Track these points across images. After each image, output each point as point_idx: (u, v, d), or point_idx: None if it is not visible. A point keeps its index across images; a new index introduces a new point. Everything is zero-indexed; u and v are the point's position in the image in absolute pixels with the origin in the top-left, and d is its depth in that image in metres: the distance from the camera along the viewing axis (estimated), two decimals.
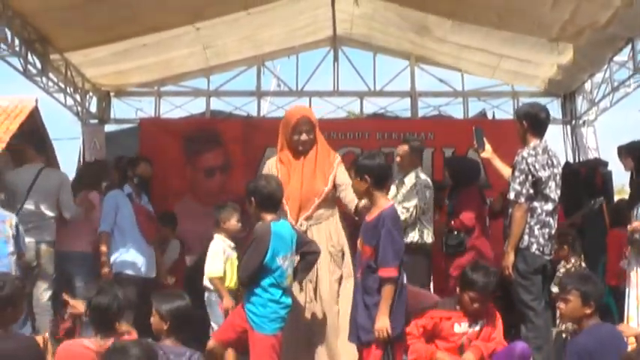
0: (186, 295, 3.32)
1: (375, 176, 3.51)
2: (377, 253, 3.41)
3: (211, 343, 3.73)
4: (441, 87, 9.08)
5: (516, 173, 4.20)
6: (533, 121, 4.31)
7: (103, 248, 5.09)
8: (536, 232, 4.17)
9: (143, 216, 5.38)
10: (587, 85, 8.16)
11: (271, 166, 4.07)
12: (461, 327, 3.79)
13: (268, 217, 3.64)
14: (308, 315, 3.83)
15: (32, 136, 5.94)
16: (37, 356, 3.12)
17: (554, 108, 8.72)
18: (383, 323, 3.38)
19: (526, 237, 4.16)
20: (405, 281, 3.54)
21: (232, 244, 4.65)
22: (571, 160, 8.37)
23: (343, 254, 4.03)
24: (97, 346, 3.07)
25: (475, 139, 4.63)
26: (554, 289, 5.53)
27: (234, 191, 7.91)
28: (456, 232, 5.44)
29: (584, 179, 7.24)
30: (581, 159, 8.32)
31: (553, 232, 4.25)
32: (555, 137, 8.81)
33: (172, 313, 3.17)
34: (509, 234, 4.22)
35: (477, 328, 3.80)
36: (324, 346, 3.84)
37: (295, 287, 3.77)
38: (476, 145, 4.65)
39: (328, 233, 3.75)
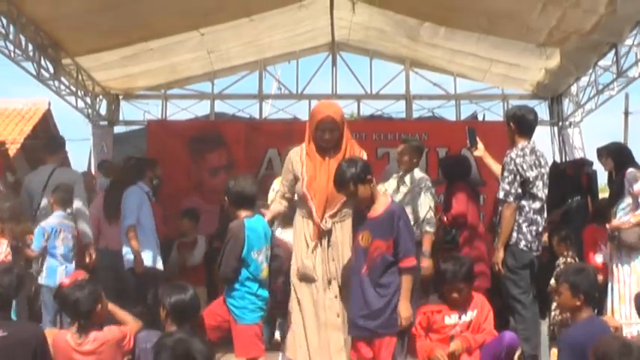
0: (191, 288, 3.34)
1: (372, 174, 3.54)
2: (396, 245, 3.43)
3: None
4: (434, 90, 9.10)
5: (505, 173, 4.23)
6: (521, 123, 4.32)
7: (134, 243, 5.06)
8: (524, 229, 4.19)
9: (159, 215, 5.46)
10: (574, 89, 8.18)
11: (294, 157, 3.83)
12: (451, 318, 3.81)
13: (242, 213, 3.70)
14: (332, 312, 3.59)
15: (46, 138, 5.93)
16: (41, 342, 3.16)
17: (542, 110, 8.75)
18: (409, 312, 3.40)
19: (515, 234, 4.19)
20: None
21: None
22: (558, 160, 8.37)
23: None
24: (75, 343, 3.11)
25: (468, 139, 4.63)
26: (554, 284, 5.58)
27: None
28: (448, 228, 5.45)
29: (570, 178, 7.24)
30: (567, 159, 8.31)
31: (540, 229, 4.27)
32: (543, 138, 8.86)
33: (172, 305, 3.21)
34: (499, 232, 4.26)
35: (467, 318, 3.82)
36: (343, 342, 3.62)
37: (320, 285, 3.58)
38: (469, 144, 4.66)
39: (350, 230, 3.59)
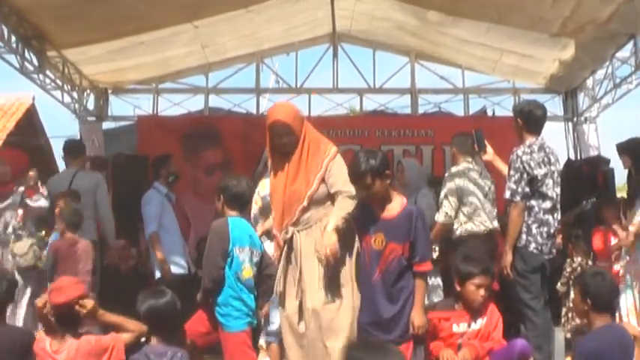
0: (167, 292, 3.32)
1: (390, 169, 3.55)
2: (413, 249, 3.42)
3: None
4: (441, 84, 9.11)
5: (511, 172, 4.21)
6: (528, 119, 4.32)
7: (159, 253, 5.14)
8: (534, 230, 4.16)
9: (182, 216, 5.50)
10: (589, 82, 8.17)
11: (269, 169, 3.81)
12: (459, 327, 3.79)
13: (231, 213, 3.77)
14: (313, 324, 3.42)
15: (68, 143, 6.09)
16: (26, 346, 3.20)
17: (556, 105, 8.77)
18: (422, 320, 3.42)
19: (524, 236, 4.16)
20: None
21: None
22: (572, 158, 8.37)
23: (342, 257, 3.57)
24: (52, 350, 3.13)
25: (475, 142, 4.64)
26: (561, 289, 5.59)
27: None
28: None
29: (585, 177, 7.24)
30: (582, 156, 8.31)
31: (552, 230, 4.25)
32: (557, 134, 8.86)
33: (145, 312, 3.22)
34: (506, 233, 4.24)
35: (477, 327, 3.80)
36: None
37: (291, 301, 3.47)
38: (477, 147, 4.66)
39: (319, 237, 3.40)
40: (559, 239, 7.19)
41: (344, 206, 3.39)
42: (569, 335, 5.24)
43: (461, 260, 3.95)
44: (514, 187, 4.16)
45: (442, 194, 5.01)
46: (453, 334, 3.76)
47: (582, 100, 8.51)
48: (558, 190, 4.27)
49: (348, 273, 3.44)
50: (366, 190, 3.47)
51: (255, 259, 3.74)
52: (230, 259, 3.64)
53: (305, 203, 3.41)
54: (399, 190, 4.55)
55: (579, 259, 5.66)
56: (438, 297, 4.99)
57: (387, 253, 3.45)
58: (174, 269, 5.20)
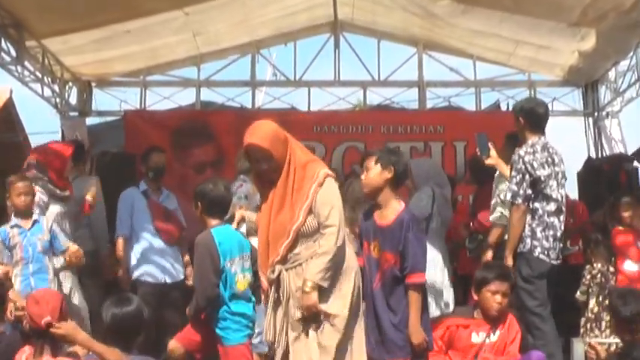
0: (133, 300, 3.31)
1: (397, 172, 3.53)
2: (403, 259, 3.42)
3: (172, 344, 3.83)
4: (451, 76, 9.07)
5: (513, 173, 4.26)
6: (530, 117, 4.37)
7: (120, 253, 5.16)
8: (539, 234, 4.21)
9: (160, 215, 5.38)
10: (611, 74, 8.14)
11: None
12: (479, 336, 3.78)
13: (213, 222, 3.75)
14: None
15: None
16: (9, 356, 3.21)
17: (575, 98, 8.78)
18: (420, 337, 3.40)
19: (528, 240, 4.22)
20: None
21: None
22: (593, 156, 8.35)
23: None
24: None
25: (478, 146, 4.67)
26: (581, 298, 5.56)
27: None
28: (475, 234, 5.49)
29: (607, 175, 7.23)
30: (604, 154, 8.30)
31: (559, 234, 4.29)
32: (576, 130, 8.83)
33: (106, 322, 3.22)
34: (507, 237, 4.29)
35: (494, 338, 3.78)
36: None
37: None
38: (479, 151, 4.69)
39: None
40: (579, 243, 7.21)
41: (326, 250, 3.18)
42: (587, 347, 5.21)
43: (482, 267, 3.96)
44: (516, 188, 4.22)
45: (496, 195, 4.96)
46: (472, 344, 3.74)
47: (604, 93, 8.49)
48: (564, 192, 4.34)
49: (342, 320, 3.23)
50: (365, 174, 3.54)
51: (247, 263, 3.74)
52: (224, 275, 3.64)
53: (291, 238, 3.22)
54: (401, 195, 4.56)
55: (599, 265, 5.63)
56: None
57: (382, 262, 3.48)
58: (146, 277, 5.17)
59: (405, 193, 5.06)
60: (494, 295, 3.74)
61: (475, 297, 3.85)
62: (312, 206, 3.24)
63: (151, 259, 5.24)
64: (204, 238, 3.69)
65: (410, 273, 3.42)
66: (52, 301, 3.21)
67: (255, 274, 3.71)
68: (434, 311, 4.38)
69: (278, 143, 3.29)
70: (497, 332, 3.79)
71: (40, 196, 4.69)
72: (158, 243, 5.28)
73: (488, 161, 4.62)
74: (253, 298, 3.78)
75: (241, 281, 3.70)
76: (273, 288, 3.32)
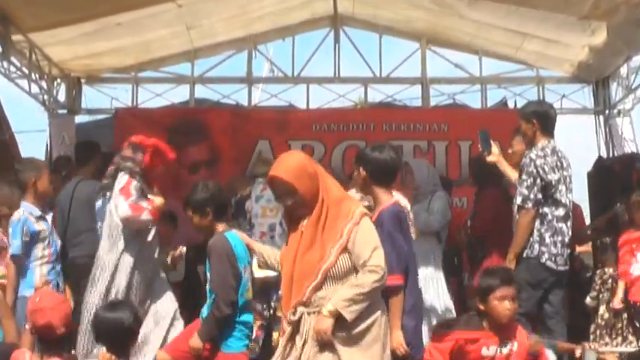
0: (125, 308, 3.35)
1: (371, 170, 3.53)
2: None
3: (160, 355, 3.86)
4: (455, 72, 9.05)
5: (524, 176, 4.30)
6: (544, 120, 4.42)
7: None
8: (547, 239, 4.25)
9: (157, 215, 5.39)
10: (623, 70, 8.11)
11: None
12: (489, 350, 3.72)
13: (220, 227, 3.81)
14: None
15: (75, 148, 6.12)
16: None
17: (586, 95, 8.74)
18: (398, 339, 3.36)
19: (536, 245, 4.25)
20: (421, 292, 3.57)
21: None
22: (604, 155, 8.32)
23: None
24: None
25: (480, 143, 4.69)
26: (591, 303, 5.55)
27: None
28: (474, 239, 5.55)
29: (618, 176, 7.21)
30: (615, 153, 8.27)
31: (567, 239, 4.32)
32: (586, 129, 8.82)
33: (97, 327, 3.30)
34: (513, 241, 4.32)
35: (506, 351, 3.72)
36: None
37: None
38: (480, 148, 4.71)
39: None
40: (587, 247, 7.21)
41: (361, 283, 3.09)
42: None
43: (484, 273, 3.93)
44: (526, 192, 4.26)
45: None
46: (483, 357, 3.68)
47: (615, 90, 8.46)
48: (571, 196, 4.40)
49: None
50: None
51: (247, 274, 3.79)
52: (240, 280, 3.69)
53: (318, 279, 3.12)
54: (405, 192, 4.55)
55: (610, 270, 5.62)
56: None
57: None
58: None
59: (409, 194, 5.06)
60: (502, 302, 3.70)
61: (482, 307, 3.78)
62: (349, 247, 3.15)
63: None
64: (221, 242, 3.70)
65: None
66: (62, 309, 3.29)
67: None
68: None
69: (304, 178, 3.21)
70: (508, 344, 3.73)
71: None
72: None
73: (489, 158, 4.64)
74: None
75: (249, 290, 3.77)
76: (290, 329, 3.22)
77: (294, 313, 3.18)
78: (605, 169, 7.62)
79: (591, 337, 5.40)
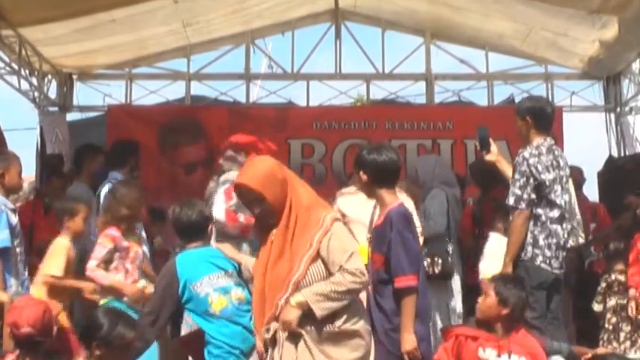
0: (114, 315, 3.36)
1: (371, 173, 3.55)
2: (388, 261, 3.42)
3: None
4: (461, 68, 9.06)
5: (516, 176, 4.28)
6: (539, 117, 4.38)
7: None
8: (541, 242, 4.24)
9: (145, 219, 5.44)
10: (635, 66, 8.12)
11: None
12: (485, 352, 3.73)
13: (191, 245, 3.83)
14: None
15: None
16: None
17: (596, 92, 8.75)
18: (411, 343, 3.36)
19: (530, 248, 4.24)
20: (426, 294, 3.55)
21: None
22: (615, 154, 8.33)
23: None
24: None
25: (478, 141, 4.67)
26: (597, 308, 5.55)
27: None
28: (480, 242, 5.53)
29: (629, 175, 7.22)
30: (627, 152, 8.28)
31: (562, 241, 4.31)
32: (597, 127, 8.82)
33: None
34: (507, 244, 4.31)
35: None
36: None
37: None
38: (479, 146, 4.69)
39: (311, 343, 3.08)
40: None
41: (338, 282, 3.01)
42: None
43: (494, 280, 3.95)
44: (519, 192, 4.24)
45: None
46: (479, 358, 3.70)
47: (627, 87, 8.47)
48: (567, 197, 4.36)
49: None
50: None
51: (226, 281, 3.70)
52: (187, 299, 3.66)
53: (289, 292, 3.04)
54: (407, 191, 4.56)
55: (617, 274, 5.63)
56: None
57: (371, 264, 3.50)
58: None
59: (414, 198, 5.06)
60: (480, 297, 3.76)
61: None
62: (322, 255, 3.07)
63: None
64: (167, 268, 3.76)
65: (395, 276, 3.40)
66: (34, 311, 3.24)
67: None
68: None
69: (273, 184, 3.14)
70: (512, 356, 3.72)
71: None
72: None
73: (488, 157, 4.61)
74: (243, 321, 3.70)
75: (216, 301, 3.67)
76: (269, 350, 3.12)
77: (267, 330, 3.11)
78: (616, 169, 7.62)
79: (600, 342, 5.39)
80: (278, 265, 3.11)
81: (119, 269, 4.32)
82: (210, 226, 3.92)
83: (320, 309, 3.01)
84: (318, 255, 3.08)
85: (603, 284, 5.62)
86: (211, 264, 3.73)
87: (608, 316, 5.51)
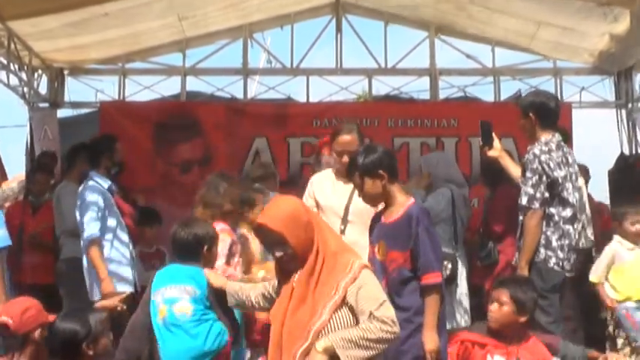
0: (82, 319, 3.39)
1: (389, 169, 3.57)
2: (415, 258, 3.45)
3: None
4: (467, 63, 9.05)
5: (528, 174, 4.26)
6: (542, 113, 4.37)
7: (99, 261, 5.07)
8: (554, 243, 4.24)
9: (129, 216, 5.42)
10: None
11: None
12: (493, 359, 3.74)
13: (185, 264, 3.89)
14: None
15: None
16: None
17: (606, 88, 8.73)
18: (434, 343, 3.40)
19: (542, 250, 4.24)
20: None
21: None
22: (626, 152, 8.32)
23: None
24: None
25: (481, 135, 4.67)
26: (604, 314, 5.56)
27: None
28: (485, 241, 5.55)
29: None
30: (638, 150, 8.27)
31: (574, 243, 4.30)
32: (607, 123, 8.80)
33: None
34: (522, 246, 4.30)
35: None
36: None
37: None
38: (481, 141, 4.68)
39: None
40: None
41: (367, 328, 2.87)
42: None
43: (500, 283, 3.96)
44: (532, 191, 4.23)
45: None
46: None
47: (639, 82, 8.47)
48: (577, 195, 4.35)
49: None
50: (359, 192, 3.60)
51: (176, 292, 3.73)
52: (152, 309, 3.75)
53: (309, 342, 2.90)
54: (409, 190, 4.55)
55: None
56: None
57: (387, 263, 3.50)
58: (120, 286, 5.12)
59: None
60: (491, 305, 3.74)
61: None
62: (351, 304, 2.95)
63: (126, 264, 5.28)
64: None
65: (423, 273, 3.44)
66: (18, 307, 3.40)
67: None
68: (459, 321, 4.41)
69: (297, 227, 3.01)
70: None
71: None
72: (129, 248, 5.31)
73: (490, 153, 4.61)
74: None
75: (161, 310, 3.72)
76: None
77: None
78: (627, 167, 7.61)
79: (607, 349, 5.42)
80: (299, 312, 2.98)
81: (238, 263, 4.40)
82: (204, 247, 3.88)
83: (346, 356, 2.85)
84: (343, 302, 2.95)
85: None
86: (175, 278, 3.77)
87: (608, 319, 5.54)
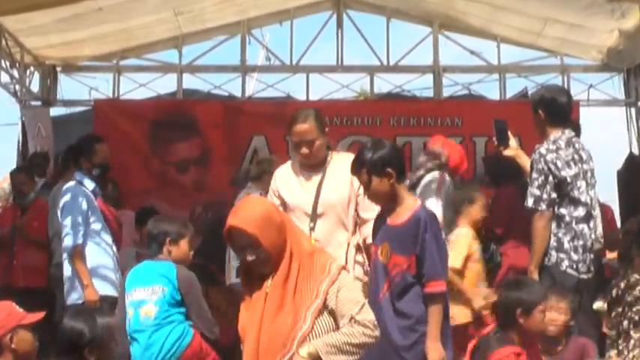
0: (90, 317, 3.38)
1: (397, 167, 3.53)
2: (420, 264, 3.42)
3: None
4: (471, 60, 9.06)
5: (534, 175, 4.23)
6: (552, 108, 4.32)
7: (82, 267, 5.04)
8: (567, 245, 4.19)
9: (113, 219, 5.38)
10: None
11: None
12: None
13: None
14: None
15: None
16: None
17: (615, 85, 8.72)
18: (439, 353, 3.36)
19: (554, 253, 4.20)
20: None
21: None
22: (636, 152, 8.32)
23: None
24: None
25: (495, 134, 4.64)
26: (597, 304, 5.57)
27: (213, 189, 7.93)
28: (487, 243, 5.51)
29: None
30: None
31: (589, 243, 4.26)
32: (616, 122, 8.80)
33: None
34: (532, 249, 4.27)
35: None
36: None
37: None
38: (496, 141, 4.66)
39: None
40: (613, 255, 7.21)
41: (350, 333, 2.83)
42: None
43: (504, 285, 3.96)
44: (538, 192, 4.19)
45: None
46: None
47: None
48: (593, 193, 4.31)
49: None
50: (365, 189, 3.53)
51: (145, 296, 3.86)
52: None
53: (293, 350, 2.81)
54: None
55: (635, 276, 5.63)
56: None
57: (390, 267, 3.46)
58: (104, 290, 5.08)
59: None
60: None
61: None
62: (331, 306, 2.89)
63: (111, 268, 5.23)
64: None
65: (428, 280, 3.40)
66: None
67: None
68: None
69: (270, 229, 2.90)
70: None
71: None
72: (113, 251, 5.27)
73: (506, 152, 4.58)
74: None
75: (128, 313, 3.89)
76: None
77: None
78: (636, 167, 7.62)
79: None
80: (278, 319, 2.87)
81: None
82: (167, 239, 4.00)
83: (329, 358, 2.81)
84: (324, 306, 2.88)
85: (617, 288, 5.62)
86: (144, 279, 3.90)
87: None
